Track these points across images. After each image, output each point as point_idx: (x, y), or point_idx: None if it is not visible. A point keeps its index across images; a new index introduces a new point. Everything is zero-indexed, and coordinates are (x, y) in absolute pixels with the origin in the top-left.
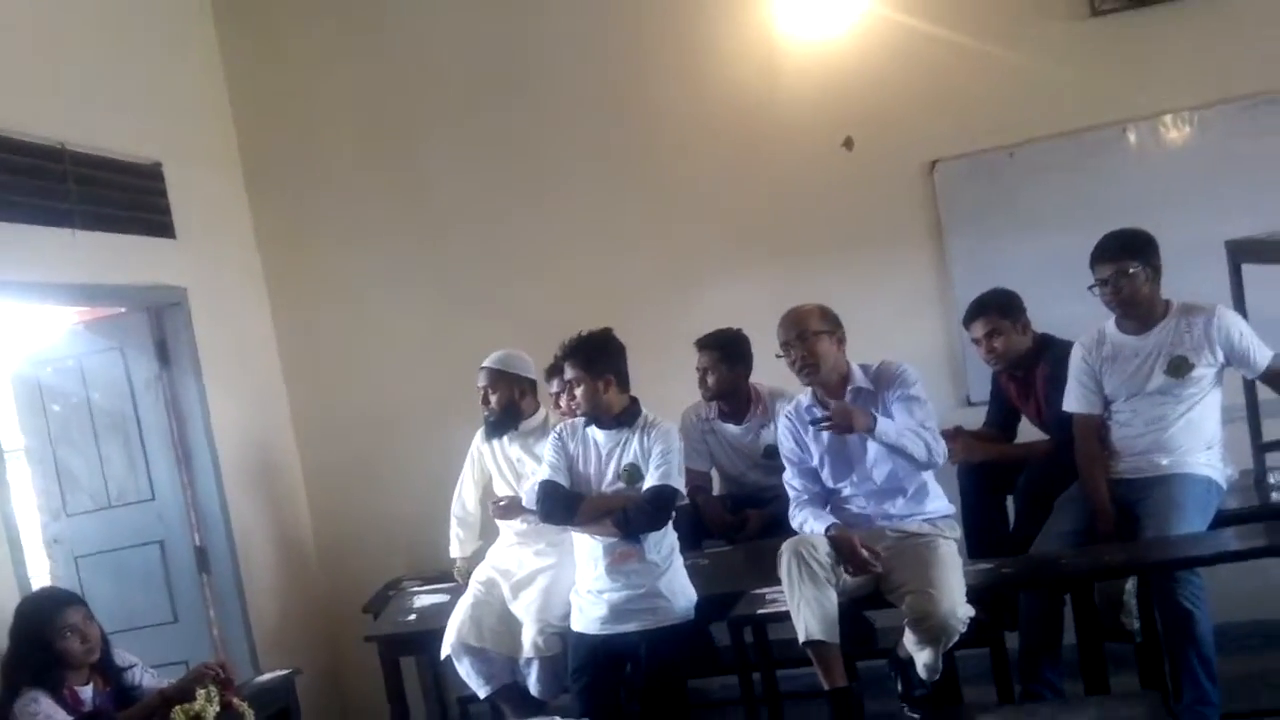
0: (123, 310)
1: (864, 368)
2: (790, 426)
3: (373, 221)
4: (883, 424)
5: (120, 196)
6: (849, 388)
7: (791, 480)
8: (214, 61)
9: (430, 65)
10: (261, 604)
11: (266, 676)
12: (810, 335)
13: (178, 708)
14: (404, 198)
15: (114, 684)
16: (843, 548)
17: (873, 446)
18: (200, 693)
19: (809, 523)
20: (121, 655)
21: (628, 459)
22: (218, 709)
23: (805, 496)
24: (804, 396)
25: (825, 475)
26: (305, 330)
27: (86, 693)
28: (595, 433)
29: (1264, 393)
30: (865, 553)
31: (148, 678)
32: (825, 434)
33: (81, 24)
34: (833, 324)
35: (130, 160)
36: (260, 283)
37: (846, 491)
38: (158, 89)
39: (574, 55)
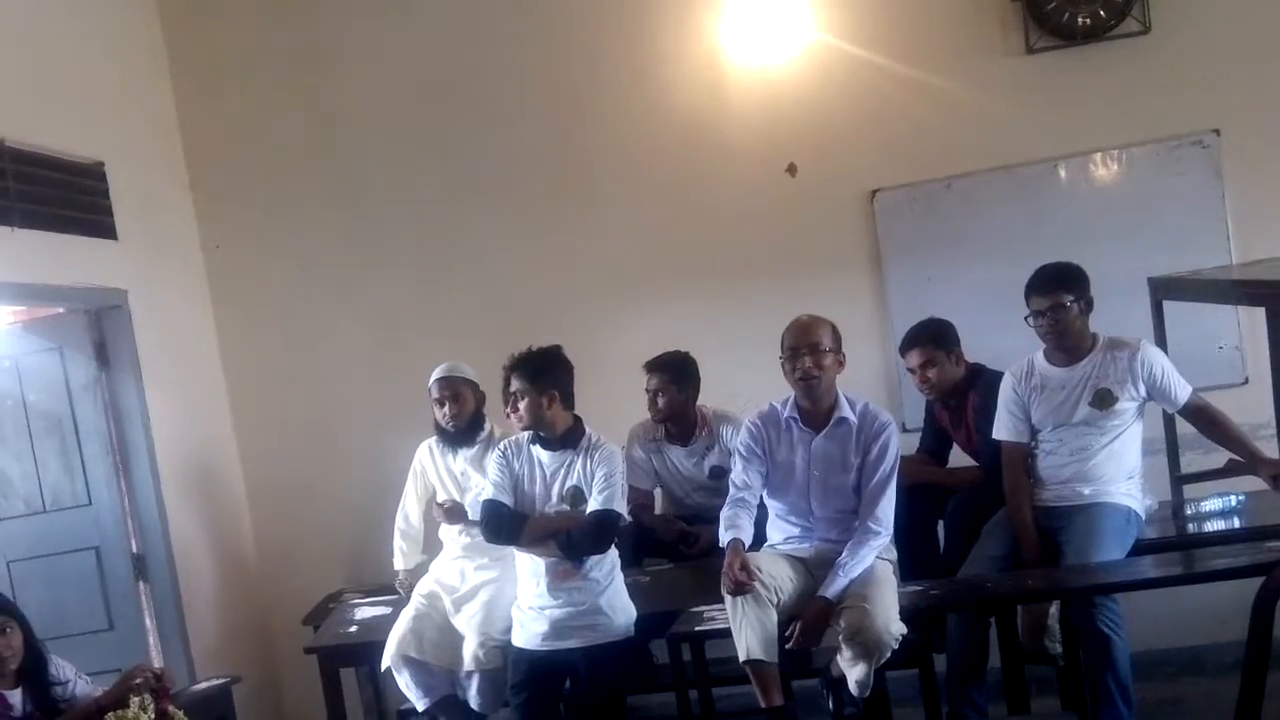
0: (61, 310)
1: (850, 400)
2: (759, 428)
3: (318, 229)
4: (838, 586)
5: (61, 195)
6: (835, 415)
7: (738, 475)
8: (159, 62)
9: (378, 72)
10: (200, 612)
11: (203, 685)
12: (821, 349)
13: (111, 715)
14: (350, 206)
15: (41, 694)
16: (727, 558)
17: (820, 487)
18: (134, 700)
19: (725, 529)
20: (58, 665)
21: (571, 481)
22: (152, 717)
23: (743, 494)
24: (780, 405)
25: (769, 489)
26: (248, 337)
27: (15, 698)
28: (540, 452)
29: (1183, 427)
30: (744, 574)
31: (82, 685)
32: (783, 455)
33: (21, 19)
34: (840, 345)
35: (72, 159)
36: (204, 287)
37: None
38: (100, 87)
39: (522, 67)
